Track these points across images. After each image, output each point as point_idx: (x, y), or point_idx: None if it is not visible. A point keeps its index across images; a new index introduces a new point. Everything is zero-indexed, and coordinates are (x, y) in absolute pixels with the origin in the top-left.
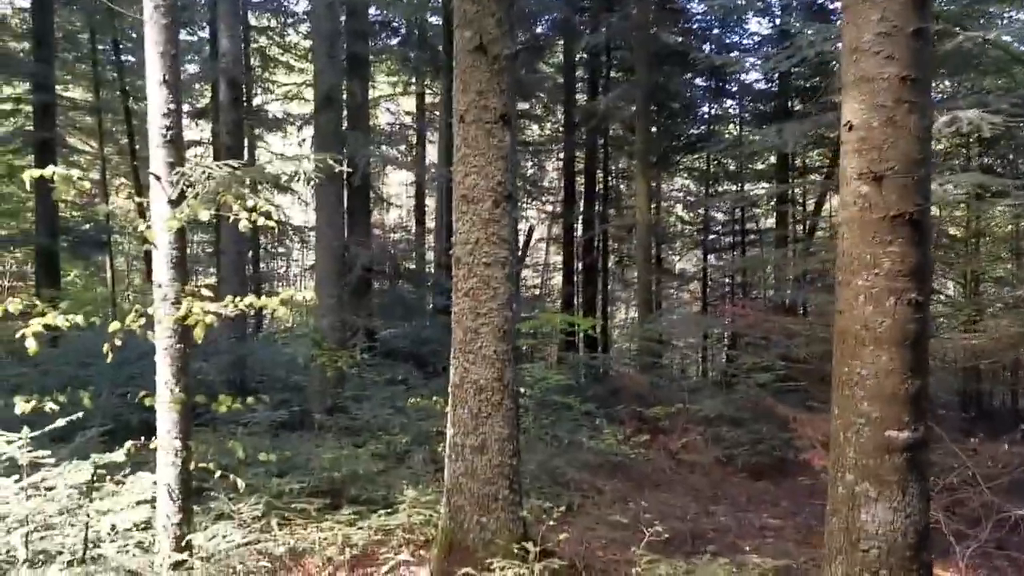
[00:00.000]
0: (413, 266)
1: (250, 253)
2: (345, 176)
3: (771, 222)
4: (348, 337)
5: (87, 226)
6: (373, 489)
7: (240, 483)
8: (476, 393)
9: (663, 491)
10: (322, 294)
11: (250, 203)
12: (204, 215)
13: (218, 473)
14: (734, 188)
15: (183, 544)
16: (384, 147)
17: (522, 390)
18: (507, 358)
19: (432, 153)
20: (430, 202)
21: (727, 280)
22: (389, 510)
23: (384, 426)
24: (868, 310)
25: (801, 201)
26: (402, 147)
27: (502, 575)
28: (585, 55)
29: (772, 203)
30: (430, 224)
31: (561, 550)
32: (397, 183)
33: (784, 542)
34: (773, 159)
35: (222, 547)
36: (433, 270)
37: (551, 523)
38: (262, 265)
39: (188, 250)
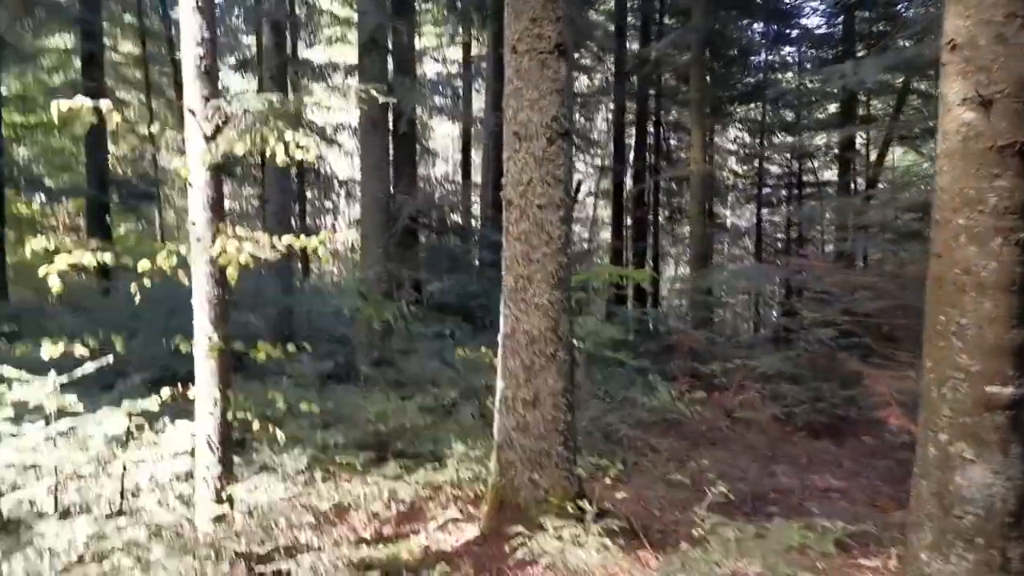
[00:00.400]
0: (460, 220)
1: (297, 208)
2: (391, 125)
3: (829, 175)
4: (394, 289)
5: (136, 180)
6: (420, 443)
7: (280, 434)
8: (528, 344)
9: (720, 450)
10: (368, 245)
11: (288, 136)
12: (240, 148)
13: (256, 423)
14: (790, 139)
15: (224, 497)
16: (431, 96)
17: (575, 343)
18: (562, 307)
19: (479, 105)
20: (477, 157)
21: (780, 236)
22: (437, 465)
23: (432, 379)
24: (970, 252)
25: (864, 152)
26: (448, 98)
27: (556, 534)
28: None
29: (831, 155)
30: (476, 179)
31: (618, 509)
32: (443, 136)
33: (852, 505)
34: (833, 108)
35: (264, 500)
36: (479, 224)
37: (607, 482)
38: (308, 221)
39: (237, 205)
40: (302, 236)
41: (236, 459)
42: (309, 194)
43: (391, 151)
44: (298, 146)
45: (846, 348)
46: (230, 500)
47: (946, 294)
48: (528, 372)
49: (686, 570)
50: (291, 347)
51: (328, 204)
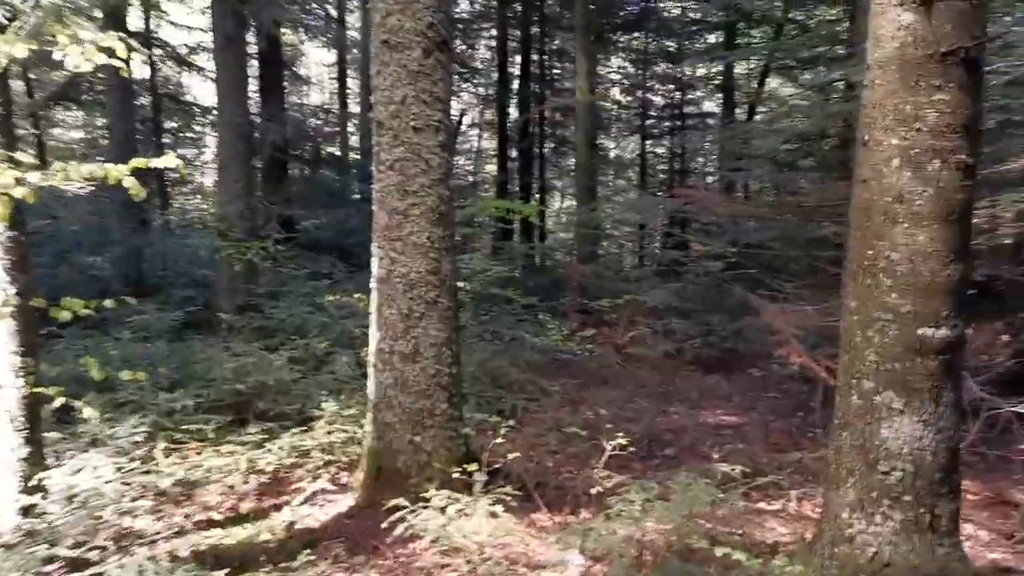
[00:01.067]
0: (337, 152)
1: (154, 139)
2: (258, 48)
3: (711, 106)
4: (260, 226)
5: None
6: (286, 402)
7: (89, 411)
8: (406, 289)
9: (612, 388)
10: (226, 176)
11: (86, 35)
12: (20, 50)
13: (57, 401)
14: (673, 69)
15: (33, 485)
16: (296, 11)
17: (460, 284)
18: (444, 246)
19: (355, 27)
20: (355, 85)
21: (664, 167)
22: (305, 427)
23: (302, 327)
24: (904, 177)
25: (746, 83)
26: (321, 20)
27: (441, 504)
28: None
29: (712, 86)
30: (356, 109)
31: (510, 470)
32: (318, 63)
33: (747, 444)
34: (713, 38)
35: (88, 484)
36: (360, 157)
37: (498, 440)
38: (168, 153)
39: (82, 135)
40: (132, 163)
41: (56, 435)
42: (168, 122)
43: (259, 76)
44: (102, 49)
45: (733, 281)
46: (42, 488)
47: (875, 225)
48: (407, 321)
49: (587, 538)
50: (108, 302)
51: (191, 135)
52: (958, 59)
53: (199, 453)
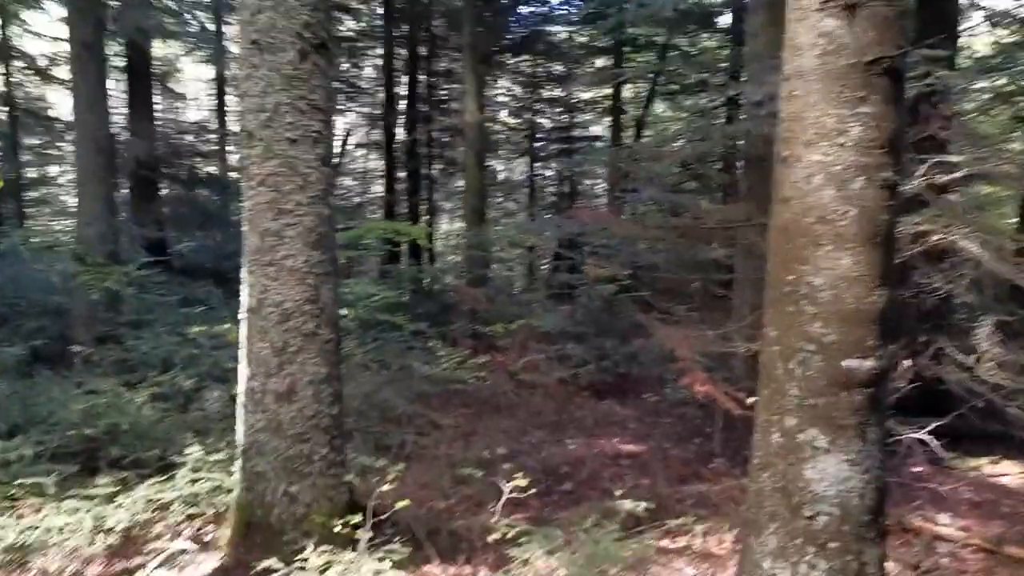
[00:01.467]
0: (216, 171)
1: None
2: (120, 57)
3: (599, 129)
4: (126, 249)
5: None
6: (145, 447)
7: None
8: (281, 320)
9: (506, 418)
10: (85, 195)
11: None
12: None
13: None
14: (561, 93)
15: None
16: (166, 19)
17: (343, 311)
18: (323, 271)
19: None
20: (234, 102)
21: (553, 189)
22: (165, 476)
23: (168, 359)
24: (827, 195)
25: (632, 107)
26: (195, 30)
27: (321, 563)
28: None
29: (600, 109)
30: (236, 128)
31: (399, 519)
32: (195, 79)
33: (647, 475)
34: (601, 62)
35: None
36: (240, 176)
37: (385, 487)
38: (29, 172)
39: None
40: None
41: None
42: (28, 138)
43: (127, 89)
44: None
45: (627, 304)
46: None
47: (796, 248)
48: (281, 356)
49: None
50: None
51: (54, 151)
52: (882, 69)
53: (38, 511)
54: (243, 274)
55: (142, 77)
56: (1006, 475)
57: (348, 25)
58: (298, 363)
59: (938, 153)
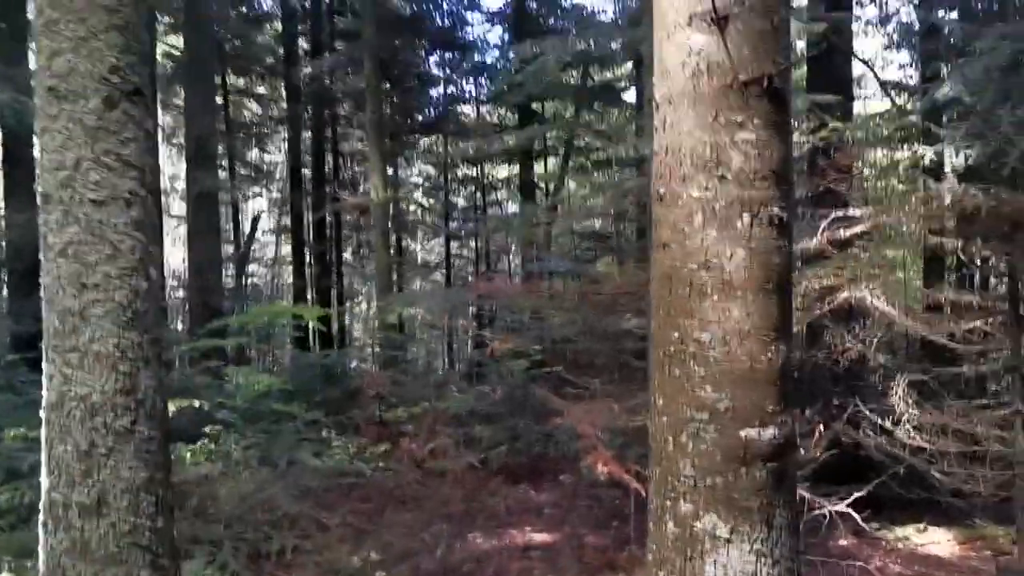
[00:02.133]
0: None
1: None
2: None
3: (514, 207)
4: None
5: None
6: None
7: None
8: (86, 417)
9: (409, 511)
10: None
11: None
12: None
13: None
14: (473, 172)
15: None
16: None
17: (222, 400)
18: (140, 356)
19: None
20: None
21: (471, 269)
22: None
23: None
24: (710, 237)
25: (544, 184)
26: None
27: None
28: (308, 23)
29: (513, 187)
30: None
31: None
32: None
33: (558, 569)
34: (511, 141)
35: None
36: None
37: None
38: None
39: None
40: None
41: None
42: None
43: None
44: None
45: (540, 380)
46: None
47: (679, 300)
48: (86, 460)
49: None
50: None
51: None
52: (761, 89)
53: None
54: (44, 363)
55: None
56: (934, 543)
57: (253, 109)
58: (109, 468)
59: (838, 208)
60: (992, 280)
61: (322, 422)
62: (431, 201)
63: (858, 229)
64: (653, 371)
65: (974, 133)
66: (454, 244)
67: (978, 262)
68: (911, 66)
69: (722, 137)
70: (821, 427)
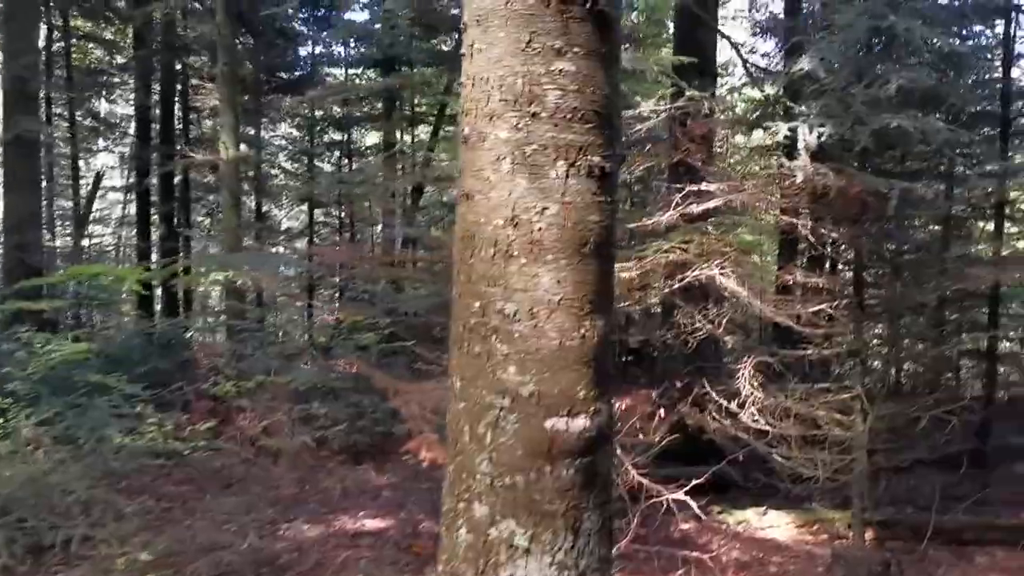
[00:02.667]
0: None
1: None
2: None
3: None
4: None
5: None
6: None
7: None
8: None
9: (233, 495)
10: None
11: None
12: None
13: None
14: (340, 137)
15: None
16: None
17: (9, 370)
18: None
19: None
20: None
21: (337, 237)
22: None
23: None
24: (519, 187)
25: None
26: None
27: None
28: None
29: (382, 155)
30: None
31: None
32: None
33: (382, 556)
34: (380, 104)
35: None
36: None
37: None
38: None
39: None
40: None
41: None
42: None
43: None
44: None
45: (391, 354)
46: None
47: (481, 263)
48: None
49: None
50: None
51: None
52: (584, 11)
53: None
54: None
55: None
56: (774, 527)
57: (97, 55)
58: None
59: (694, 182)
60: (841, 265)
61: (140, 396)
62: (295, 166)
63: (711, 204)
64: (452, 348)
65: (828, 111)
66: (319, 212)
67: (829, 245)
68: (778, 51)
69: (536, 67)
70: (662, 411)
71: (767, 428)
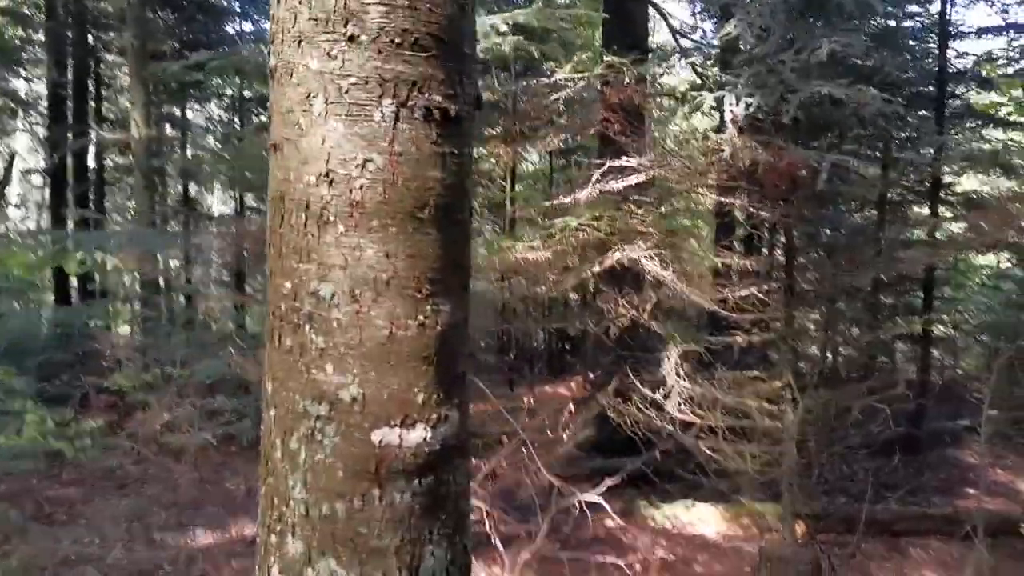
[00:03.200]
0: None
1: None
2: None
3: None
4: None
5: None
6: None
7: None
8: None
9: (125, 496)
10: None
11: None
12: None
13: None
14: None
15: None
16: None
17: None
18: None
19: None
20: None
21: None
22: None
23: None
24: (334, 133)
25: None
26: None
27: None
28: None
29: None
30: None
31: None
32: None
33: None
34: None
35: None
36: None
37: None
38: None
39: None
40: None
41: None
42: None
43: None
44: None
45: None
46: None
47: (292, 233)
48: None
49: None
50: None
51: None
52: None
53: None
54: None
55: None
56: (701, 521)
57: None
58: None
59: (616, 156)
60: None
61: (22, 391)
62: (221, 147)
63: (632, 180)
64: (266, 342)
65: (757, 81)
66: (251, 196)
67: (762, 227)
68: (714, 29)
69: None
70: (572, 405)
71: (693, 419)
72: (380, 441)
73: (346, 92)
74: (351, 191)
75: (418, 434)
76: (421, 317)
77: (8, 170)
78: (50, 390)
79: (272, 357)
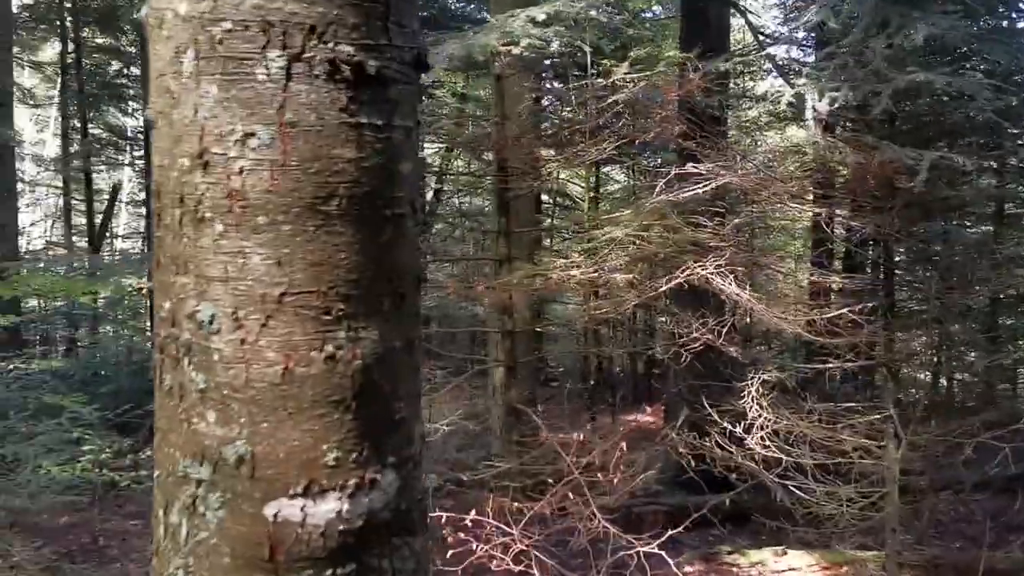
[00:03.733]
0: None
1: None
2: None
3: None
4: None
5: None
6: None
7: None
8: None
9: None
10: None
11: None
12: None
13: None
14: None
15: None
16: None
17: None
18: None
19: None
20: None
21: None
22: None
23: None
24: (208, 98)
25: None
26: None
27: None
28: None
29: None
30: None
31: None
32: None
33: None
34: None
35: None
36: None
37: None
38: None
39: None
40: None
41: None
42: None
43: None
44: None
45: None
46: None
47: (168, 237)
48: None
49: None
50: None
51: None
52: None
53: None
54: None
55: None
56: (794, 570)
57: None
58: None
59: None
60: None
61: (89, 418)
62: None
63: (700, 189)
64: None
65: (843, 73)
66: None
67: (858, 240)
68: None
69: None
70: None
71: (779, 456)
72: (275, 516)
73: (220, 43)
74: (229, 177)
75: (328, 506)
76: (330, 347)
77: (112, 202)
78: (116, 419)
79: (156, 401)
